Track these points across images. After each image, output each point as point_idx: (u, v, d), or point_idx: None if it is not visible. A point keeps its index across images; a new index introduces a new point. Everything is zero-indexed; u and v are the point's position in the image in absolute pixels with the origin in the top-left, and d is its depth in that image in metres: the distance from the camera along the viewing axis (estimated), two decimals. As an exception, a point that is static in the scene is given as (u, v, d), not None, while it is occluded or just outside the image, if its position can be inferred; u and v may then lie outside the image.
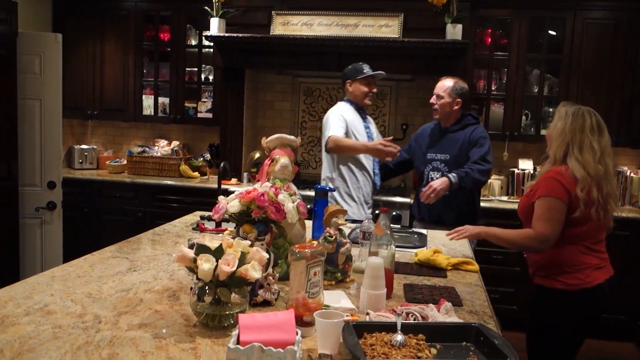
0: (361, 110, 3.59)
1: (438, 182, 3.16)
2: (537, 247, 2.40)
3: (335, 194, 3.48)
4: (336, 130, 3.38)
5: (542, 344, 2.48)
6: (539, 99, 4.62)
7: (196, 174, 5.04)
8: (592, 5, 4.44)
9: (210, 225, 2.89)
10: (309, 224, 2.65)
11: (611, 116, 4.44)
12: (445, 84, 3.39)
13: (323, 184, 3.55)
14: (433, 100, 3.40)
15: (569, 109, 2.41)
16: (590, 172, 2.30)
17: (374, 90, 3.57)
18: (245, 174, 4.83)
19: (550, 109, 4.63)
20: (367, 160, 3.52)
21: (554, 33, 4.63)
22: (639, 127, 4.33)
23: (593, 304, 2.38)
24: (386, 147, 3.27)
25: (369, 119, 3.70)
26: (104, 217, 4.85)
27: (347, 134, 3.43)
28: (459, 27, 4.22)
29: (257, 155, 4.54)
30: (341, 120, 3.43)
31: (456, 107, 3.38)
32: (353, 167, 3.49)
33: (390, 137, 3.40)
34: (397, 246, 2.63)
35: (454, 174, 3.19)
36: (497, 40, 4.63)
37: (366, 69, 3.50)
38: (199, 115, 5.04)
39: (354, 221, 3.13)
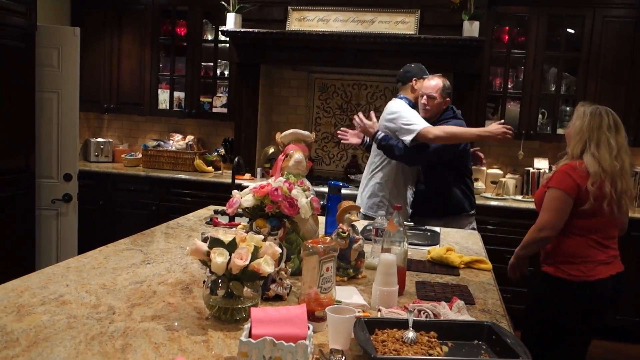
0: (416, 110, 3.43)
1: (370, 124, 3.33)
2: (538, 237, 2.48)
3: (384, 198, 3.38)
4: (426, 122, 3.18)
5: (538, 332, 2.51)
6: (556, 97, 4.57)
7: (210, 168, 5.07)
8: (612, 3, 4.38)
9: (223, 219, 2.90)
10: (322, 219, 2.65)
11: (629, 116, 4.39)
12: (435, 83, 3.30)
13: (371, 188, 3.45)
14: (425, 101, 3.30)
15: (587, 109, 2.48)
16: (606, 168, 2.35)
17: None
18: (259, 169, 4.84)
19: (567, 108, 4.58)
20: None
21: (572, 31, 4.58)
22: (658, 127, 4.28)
23: (592, 298, 2.43)
24: (506, 128, 3.11)
25: None
26: (118, 210, 4.90)
27: None
28: (476, 24, 4.19)
29: (272, 150, 4.56)
30: (419, 115, 3.28)
31: (444, 107, 3.37)
32: (408, 172, 3.42)
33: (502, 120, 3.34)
34: (410, 243, 2.64)
35: (383, 134, 3.29)
36: (514, 38, 4.59)
37: (427, 71, 3.46)
38: (214, 110, 5.06)
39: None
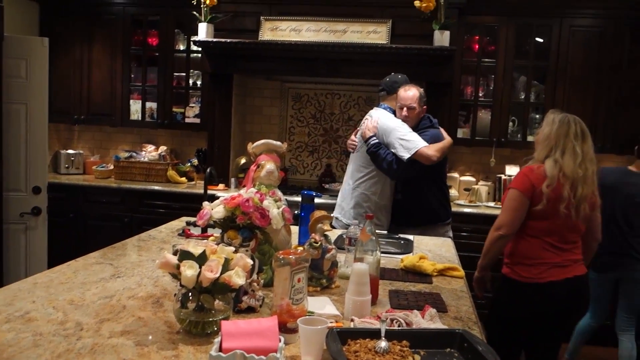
0: None
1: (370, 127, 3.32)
2: (494, 236, 2.56)
3: (369, 209, 3.35)
4: (422, 140, 3.22)
5: (499, 333, 2.55)
6: (525, 105, 4.65)
7: (183, 179, 5.02)
8: (578, 13, 4.49)
9: (196, 231, 2.87)
10: (295, 229, 2.65)
11: (597, 123, 4.49)
12: (413, 93, 3.32)
13: (356, 198, 3.42)
14: (405, 112, 3.30)
15: (557, 116, 2.55)
16: (567, 173, 2.42)
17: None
18: (232, 180, 4.82)
19: (537, 116, 4.66)
20: None
21: (540, 40, 4.67)
22: (625, 134, 4.37)
23: (544, 299, 2.47)
24: None
25: None
26: (90, 222, 4.82)
27: None
28: (447, 33, 4.24)
29: (243, 160, 4.54)
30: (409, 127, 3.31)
31: (421, 115, 3.41)
32: (393, 183, 3.42)
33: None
34: (383, 252, 2.65)
35: (377, 141, 3.29)
36: (484, 47, 4.66)
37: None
38: (187, 120, 5.03)
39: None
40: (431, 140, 3.27)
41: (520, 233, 2.56)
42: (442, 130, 3.44)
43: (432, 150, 3.18)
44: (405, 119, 3.33)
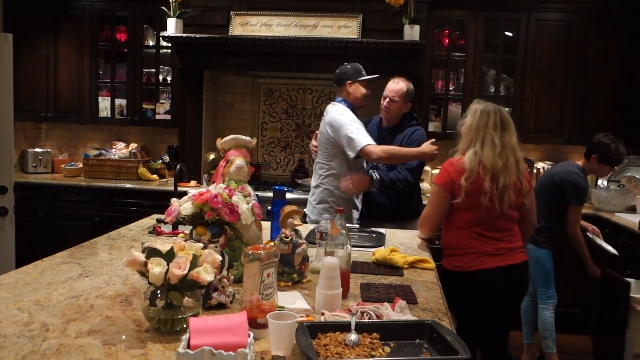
0: (355, 112, 3.40)
1: (357, 178, 3.23)
2: (421, 230, 2.70)
3: (334, 204, 3.31)
4: (369, 138, 3.18)
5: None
6: (495, 99, 4.68)
7: (155, 176, 4.97)
8: (545, 7, 4.56)
9: (167, 228, 2.84)
10: (267, 225, 2.64)
11: (564, 115, 4.58)
12: (400, 87, 3.34)
13: (319, 195, 3.41)
14: (386, 103, 3.35)
15: (479, 107, 2.59)
16: (486, 164, 2.46)
17: (369, 93, 3.44)
18: (205, 176, 4.77)
19: (507, 109, 4.71)
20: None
21: (509, 34, 4.72)
22: (591, 126, 4.44)
23: (476, 287, 2.50)
24: (434, 148, 3.22)
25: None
26: (59, 222, 4.73)
27: None
28: (417, 27, 4.27)
29: (212, 156, 4.50)
30: (361, 125, 3.26)
31: (404, 111, 3.42)
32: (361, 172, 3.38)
33: (433, 140, 3.28)
34: (355, 246, 2.66)
35: (377, 174, 3.30)
36: (454, 41, 4.70)
37: (363, 70, 3.40)
38: (157, 117, 4.97)
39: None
40: (421, 139, 3.33)
41: (449, 225, 2.62)
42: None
43: (377, 150, 3.13)
44: (386, 109, 3.36)
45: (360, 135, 3.17)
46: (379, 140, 3.33)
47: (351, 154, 3.18)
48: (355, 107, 3.41)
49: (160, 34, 4.63)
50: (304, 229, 2.63)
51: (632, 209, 4.11)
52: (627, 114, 4.48)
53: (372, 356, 1.40)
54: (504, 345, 2.69)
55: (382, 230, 3.07)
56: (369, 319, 1.64)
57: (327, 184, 3.38)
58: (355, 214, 3.44)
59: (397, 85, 3.35)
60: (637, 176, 4.58)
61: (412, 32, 4.27)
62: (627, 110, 4.45)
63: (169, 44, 4.68)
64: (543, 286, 3.62)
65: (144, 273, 1.53)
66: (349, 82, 3.35)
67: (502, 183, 2.47)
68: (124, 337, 1.50)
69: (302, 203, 4.22)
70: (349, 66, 3.39)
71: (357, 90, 3.35)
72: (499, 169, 2.47)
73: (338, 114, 3.31)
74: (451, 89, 4.74)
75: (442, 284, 2.45)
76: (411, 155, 3.26)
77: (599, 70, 4.52)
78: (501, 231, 2.53)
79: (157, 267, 1.48)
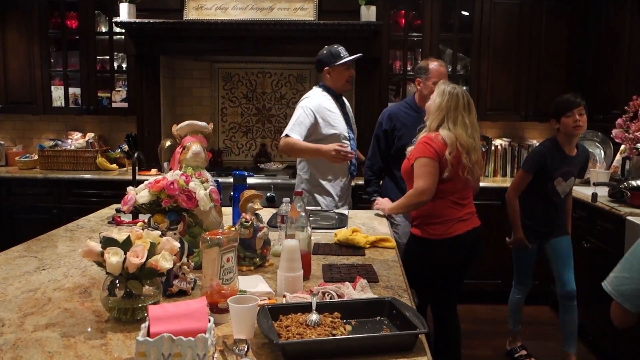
0: (338, 96, 3.38)
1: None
2: (418, 201, 2.69)
3: (307, 186, 3.34)
4: (294, 131, 3.17)
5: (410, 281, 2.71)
6: (453, 78, 4.75)
7: (114, 166, 4.88)
8: (498, -14, 4.61)
9: (127, 217, 2.80)
10: (228, 210, 2.63)
11: (519, 93, 4.67)
12: (445, 70, 3.38)
13: (297, 181, 3.46)
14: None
15: (447, 87, 2.73)
16: (462, 143, 2.64)
17: (353, 73, 3.37)
18: (165, 164, 4.69)
19: (464, 87, 4.77)
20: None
21: (465, 13, 4.76)
22: (546, 102, 4.52)
23: (453, 252, 2.72)
24: (341, 151, 3.07)
25: (347, 104, 3.49)
26: (16, 216, 4.61)
27: (319, 127, 3.22)
28: (373, 8, 4.27)
29: (168, 143, 4.43)
30: (307, 118, 3.19)
31: (419, 87, 3.37)
32: (323, 165, 3.30)
33: (346, 142, 3.23)
34: (318, 227, 2.68)
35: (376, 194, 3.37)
36: (410, 21, 4.72)
37: (343, 52, 3.28)
38: (114, 105, 4.87)
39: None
40: None
41: None
42: None
43: (282, 142, 3.21)
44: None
45: (291, 125, 3.20)
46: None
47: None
48: (339, 92, 3.35)
49: (113, 20, 4.51)
50: (265, 213, 2.63)
51: (586, 182, 4.22)
52: (580, 90, 4.59)
53: (334, 335, 1.42)
54: (456, 302, 2.94)
55: (345, 212, 3.09)
56: (330, 299, 1.66)
57: (300, 170, 3.40)
58: (326, 200, 3.35)
59: (443, 68, 3.34)
60: (590, 150, 4.71)
61: (368, 13, 4.27)
62: (579, 86, 4.56)
63: (122, 30, 4.57)
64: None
65: (101, 263, 1.51)
66: (327, 68, 3.28)
67: (473, 159, 2.68)
68: (83, 328, 1.48)
69: (265, 188, 4.24)
70: (325, 51, 3.31)
71: (339, 75, 3.28)
72: (471, 147, 2.66)
73: (304, 97, 3.33)
74: (409, 69, 4.77)
75: (414, 252, 2.66)
76: (308, 151, 3.19)
77: (551, 47, 4.62)
78: (466, 198, 2.78)
79: (114, 257, 1.46)
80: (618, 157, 4.18)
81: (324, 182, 3.33)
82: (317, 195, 3.33)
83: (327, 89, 3.34)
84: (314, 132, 3.23)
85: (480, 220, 2.85)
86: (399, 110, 3.42)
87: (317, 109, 3.23)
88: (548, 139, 3.39)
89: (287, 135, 3.19)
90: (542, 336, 3.92)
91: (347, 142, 3.26)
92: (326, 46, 3.35)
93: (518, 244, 3.36)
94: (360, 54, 3.35)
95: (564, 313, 3.33)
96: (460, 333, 2.98)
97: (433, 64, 3.33)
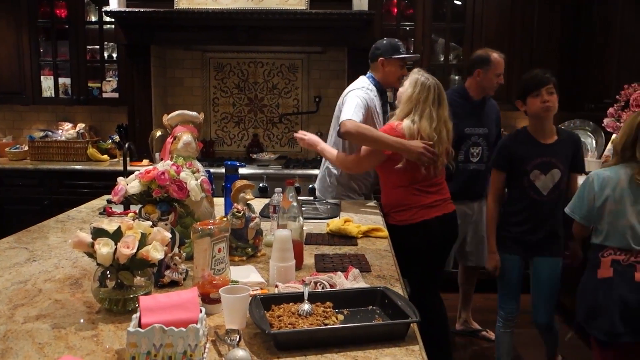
0: (384, 92, 3.17)
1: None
2: (341, 166, 2.92)
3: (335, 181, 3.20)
4: (356, 114, 2.82)
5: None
6: (445, 67, 4.75)
7: (105, 157, 4.84)
8: (491, -26, 4.59)
9: (118, 208, 2.79)
10: (220, 201, 2.62)
11: (512, 82, 4.64)
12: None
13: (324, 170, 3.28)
14: (501, 80, 3.45)
15: (420, 78, 2.70)
16: (424, 136, 2.63)
17: (407, 74, 2.92)
18: (157, 155, 4.67)
19: (457, 77, 4.78)
20: None
21: (458, 2, 4.75)
22: (538, 91, 4.54)
23: (419, 237, 2.72)
24: (428, 151, 2.61)
25: (388, 101, 3.28)
26: (6, 207, 4.57)
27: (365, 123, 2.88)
28: (365, -3, 4.25)
29: (159, 133, 4.41)
30: (362, 106, 2.90)
31: (478, 79, 3.38)
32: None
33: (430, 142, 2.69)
34: (310, 217, 2.68)
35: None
36: (403, 10, 4.70)
37: (402, 48, 3.08)
38: (104, 95, 4.82)
39: None
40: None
41: (389, 184, 2.82)
42: None
43: (350, 125, 2.77)
44: (496, 87, 3.41)
45: (352, 110, 2.84)
46: (478, 113, 3.43)
47: (338, 129, 2.87)
48: (384, 88, 3.16)
49: (103, 9, 4.46)
50: (258, 203, 2.62)
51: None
52: (571, 79, 4.60)
53: (326, 324, 1.42)
54: (437, 287, 2.92)
55: (337, 202, 3.09)
56: (323, 288, 1.66)
57: (327, 162, 3.19)
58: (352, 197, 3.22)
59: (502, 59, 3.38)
60: (582, 140, 4.73)
61: (360, 2, 4.24)
62: (571, 75, 4.57)
63: (113, 19, 4.52)
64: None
65: (92, 254, 1.50)
66: (382, 59, 3.04)
67: (438, 152, 2.64)
68: (74, 319, 1.48)
69: (258, 178, 4.22)
70: (384, 41, 3.08)
71: (393, 69, 3.04)
72: (434, 140, 2.64)
73: (353, 87, 3.07)
74: (402, 58, 4.75)
75: (393, 238, 2.60)
76: (387, 144, 2.66)
77: (544, 36, 4.61)
78: (435, 185, 2.76)
79: (104, 247, 1.45)
80: (609, 146, 4.20)
81: (352, 180, 3.20)
82: (352, 185, 3.21)
83: (375, 82, 3.10)
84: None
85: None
86: (452, 100, 3.10)
87: (367, 102, 2.97)
88: (517, 129, 3.05)
89: (347, 119, 2.79)
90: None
91: None
92: (385, 38, 3.15)
93: (491, 264, 2.93)
94: (418, 55, 3.33)
95: (544, 334, 3.03)
96: (447, 319, 2.94)
97: (494, 55, 3.31)
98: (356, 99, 2.92)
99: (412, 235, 2.71)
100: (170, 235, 1.57)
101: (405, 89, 2.72)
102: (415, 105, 2.66)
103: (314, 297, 1.54)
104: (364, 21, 4.28)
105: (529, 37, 4.61)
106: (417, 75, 2.71)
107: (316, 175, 4.24)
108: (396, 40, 3.11)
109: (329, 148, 3.03)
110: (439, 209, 2.73)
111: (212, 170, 2.72)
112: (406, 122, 2.65)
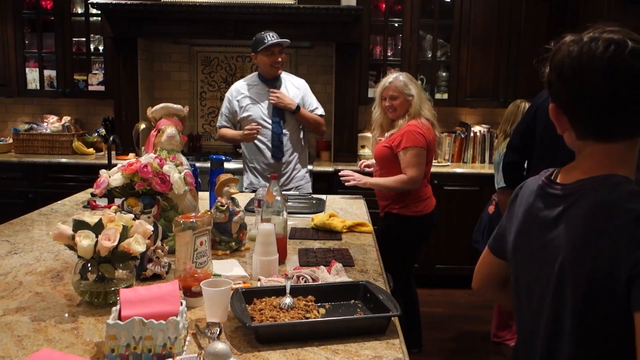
0: (269, 81, 3.39)
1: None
2: (406, 188, 2.91)
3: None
4: (220, 121, 3.53)
5: (392, 259, 2.81)
6: (432, 64, 4.76)
7: (91, 150, 4.81)
8: (478, -29, 4.61)
9: (102, 202, 2.77)
10: (205, 195, 2.61)
11: (499, 79, 4.68)
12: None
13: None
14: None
15: (407, 76, 2.99)
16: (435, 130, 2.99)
17: (279, 59, 3.32)
18: (142, 148, 4.65)
19: (444, 74, 4.79)
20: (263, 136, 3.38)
21: (446, -1, 4.76)
22: (525, 88, 4.56)
23: (429, 226, 3.07)
24: (246, 132, 3.28)
25: (286, 84, 3.46)
26: (-10, 200, 4.53)
27: (236, 113, 3.43)
28: (353, -7, 4.24)
29: (143, 126, 4.38)
30: (226, 107, 3.49)
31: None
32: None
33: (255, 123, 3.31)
34: (295, 212, 2.68)
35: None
36: (391, 6, 4.70)
37: (268, 38, 3.26)
38: (90, 88, 4.78)
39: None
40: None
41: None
42: None
43: (219, 135, 3.57)
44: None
45: (220, 118, 3.53)
46: None
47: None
48: (267, 78, 3.41)
49: (89, 1, 4.42)
50: (243, 198, 2.62)
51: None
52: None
53: (307, 318, 1.43)
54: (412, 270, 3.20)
55: (323, 197, 3.09)
56: (305, 282, 1.66)
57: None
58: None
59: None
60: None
61: (349, -2, 4.24)
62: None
63: (99, 11, 4.48)
64: None
65: (73, 247, 1.49)
66: (253, 55, 3.40)
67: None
68: (54, 312, 1.47)
69: (241, 172, 4.20)
70: (254, 38, 3.37)
71: (261, 61, 3.35)
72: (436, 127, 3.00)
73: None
74: (389, 54, 4.76)
75: (393, 229, 2.94)
76: (235, 139, 3.51)
77: (530, 33, 4.62)
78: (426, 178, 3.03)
79: (85, 240, 1.45)
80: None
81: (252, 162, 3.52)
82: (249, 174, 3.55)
83: (259, 74, 3.48)
84: (235, 116, 3.46)
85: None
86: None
87: (232, 98, 3.47)
88: None
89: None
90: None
91: (268, 125, 3.37)
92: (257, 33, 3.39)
93: None
94: (287, 40, 3.35)
95: None
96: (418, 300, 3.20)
97: None
98: (225, 100, 3.53)
99: (424, 224, 3.00)
100: (152, 228, 1.56)
101: (410, 89, 2.91)
102: (421, 100, 2.94)
103: (296, 291, 1.54)
104: (352, 17, 4.28)
105: (516, 34, 4.63)
106: (403, 75, 2.99)
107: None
108: (262, 32, 3.34)
109: (380, 180, 3.00)
110: (433, 199, 3.06)
111: (198, 164, 2.71)
112: (426, 113, 2.93)
